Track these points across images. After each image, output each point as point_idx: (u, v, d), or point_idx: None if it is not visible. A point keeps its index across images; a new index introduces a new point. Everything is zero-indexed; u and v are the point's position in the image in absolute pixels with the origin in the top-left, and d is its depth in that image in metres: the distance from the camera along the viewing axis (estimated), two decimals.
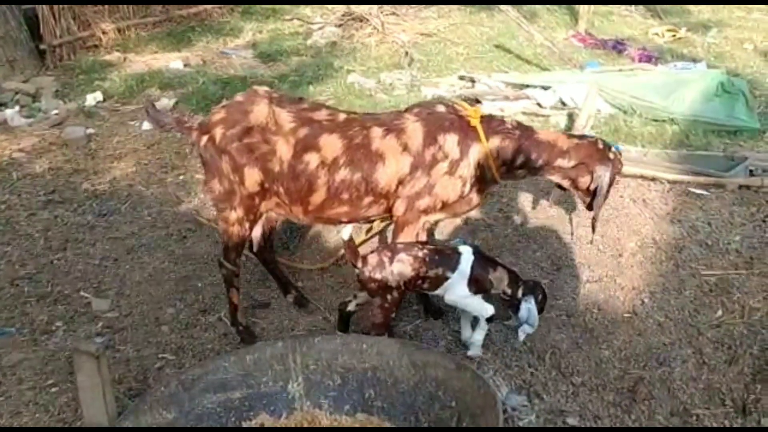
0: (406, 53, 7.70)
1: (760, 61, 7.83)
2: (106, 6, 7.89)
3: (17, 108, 6.12)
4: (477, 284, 2.88)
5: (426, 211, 2.98)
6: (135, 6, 8.19)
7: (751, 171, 4.74)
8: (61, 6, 7.32)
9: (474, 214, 4.12)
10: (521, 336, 2.91)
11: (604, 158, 2.97)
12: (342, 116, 3.01)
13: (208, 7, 8.85)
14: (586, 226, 3.86)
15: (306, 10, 9.70)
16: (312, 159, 2.89)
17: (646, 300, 3.22)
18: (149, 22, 8.31)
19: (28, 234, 4.13)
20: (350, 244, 2.83)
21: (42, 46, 7.24)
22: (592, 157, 2.97)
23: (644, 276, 3.39)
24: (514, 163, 2.98)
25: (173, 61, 7.35)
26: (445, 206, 3.00)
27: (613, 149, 3.04)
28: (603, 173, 2.94)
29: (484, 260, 2.93)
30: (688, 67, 6.97)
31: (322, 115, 2.98)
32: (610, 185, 3.00)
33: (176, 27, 8.50)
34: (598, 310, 3.17)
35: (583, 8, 9.38)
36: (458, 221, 4.06)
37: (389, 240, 3.32)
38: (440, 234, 3.90)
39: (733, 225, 3.83)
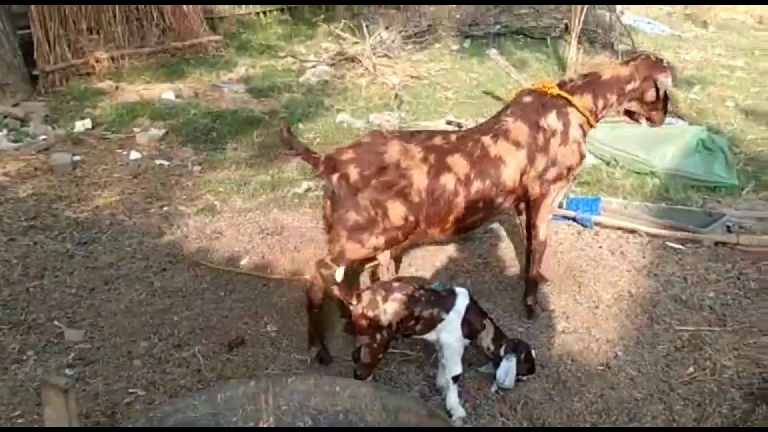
0: (396, 95, 7.82)
1: (740, 119, 8.01)
2: (102, 34, 7.98)
3: (5, 132, 6.13)
4: (470, 327, 2.91)
5: (554, 180, 3.37)
6: (130, 36, 8.29)
7: (728, 227, 4.83)
8: (56, 32, 7.40)
9: (453, 259, 4.16)
10: (494, 387, 2.96)
11: (660, 67, 3.50)
12: (453, 137, 3.27)
13: (204, 40, 8.96)
14: (567, 276, 3.91)
15: (300, 47, 9.86)
16: (448, 180, 3.11)
17: (620, 353, 3.23)
18: (144, 53, 8.40)
19: (5, 260, 4.10)
20: (343, 284, 2.89)
21: (35, 72, 7.29)
22: (650, 69, 3.48)
23: (619, 329, 3.41)
24: (597, 107, 3.46)
25: (165, 91, 7.42)
26: (570, 171, 3.42)
27: (664, 61, 3.56)
28: (664, 79, 3.47)
29: (477, 307, 2.99)
30: (670, 123, 7.11)
31: (438, 140, 3.21)
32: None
33: (171, 58, 8.60)
34: (572, 362, 3.18)
35: (571, 58, 9.61)
36: (438, 265, 4.09)
37: None
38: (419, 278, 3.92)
39: (708, 281, 3.88)
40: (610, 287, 3.79)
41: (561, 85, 3.44)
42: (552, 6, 12.78)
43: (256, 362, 3.25)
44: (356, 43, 9.46)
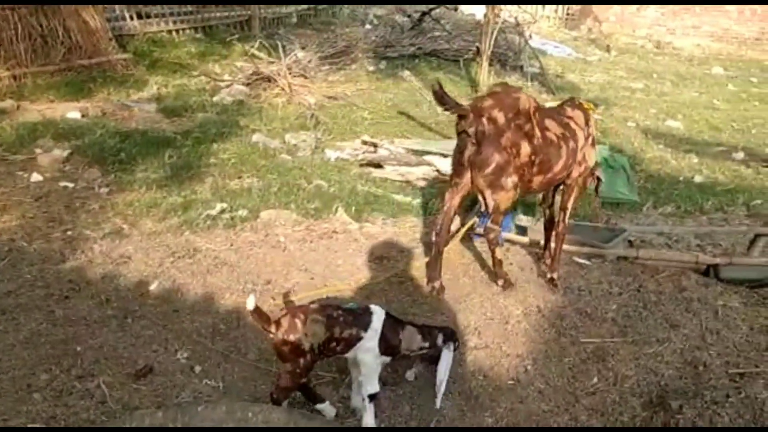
0: (312, 115, 7.82)
1: (641, 138, 8.48)
2: (2, 51, 7.61)
3: None
4: (386, 344, 2.91)
5: (579, 175, 4.12)
6: (34, 53, 7.93)
7: (630, 242, 5.08)
8: None
9: (369, 277, 4.17)
10: (438, 402, 2.96)
11: None
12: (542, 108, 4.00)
13: (112, 58, 8.68)
14: (478, 293, 3.99)
15: (214, 66, 9.72)
16: (551, 135, 3.83)
17: (529, 367, 3.32)
18: (48, 71, 8.05)
19: None
20: (258, 311, 2.81)
21: None
22: None
23: (528, 343, 3.51)
24: None
25: (70, 111, 7.13)
26: (585, 171, 4.17)
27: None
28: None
29: (393, 321, 2.99)
30: None
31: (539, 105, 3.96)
32: None
33: (77, 77, 8.27)
34: (483, 377, 3.24)
35: (482, 80, 9.90)
36: (353, 285, 4.09)
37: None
38: (333, 299, 3.91)
39: (611, 294, 4.06)
40: (520, 302, 3.90)
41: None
42: (464, 29, 13.18)
43: (166, 391, 3.14)
44: (272, 62, 9.41)
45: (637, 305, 3.94)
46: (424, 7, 13.69)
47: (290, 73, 8.95)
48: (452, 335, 3.06)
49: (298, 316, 2.84)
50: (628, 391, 3.12)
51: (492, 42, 9.96)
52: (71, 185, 5.41)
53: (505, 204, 3.82)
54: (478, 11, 14.61)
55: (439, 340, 3.02)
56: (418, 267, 4.35)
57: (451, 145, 7.22)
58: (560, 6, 18.90)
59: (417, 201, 5.78)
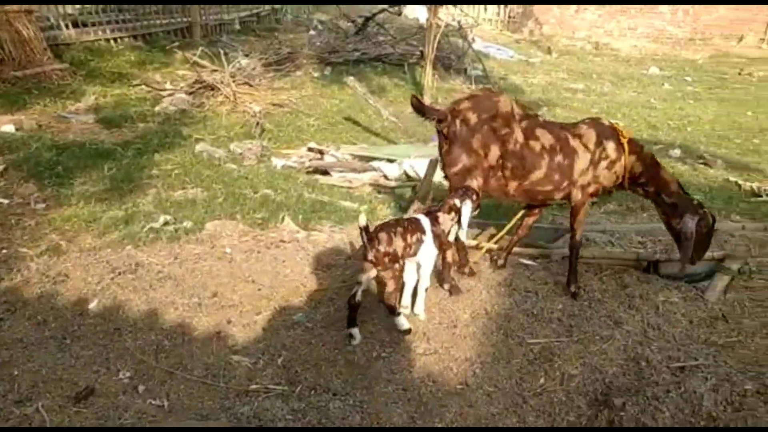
0: (258, 123, 7.74)
1: None
2: None
3: None
4: (438, 239, 3.63)
5: (584, 196, 4.05)
6: None
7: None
8: None
9: (317, 287, 4.14)
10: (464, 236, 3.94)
11: (692, 209, 3.95)
12: (540, 119, 4.06)
13: (47, 68, 8.42)
14: (427, 298, 4.00)
15: (155, 75, 9.53)
16: (535, 144, 3.84)
17: (477, 370, 3.35)
18: None
19: None
20: (366, 229, 3.33)
21: None
22: (684, 205, 3.98)
23: (477, 346, 3.54)
24: (638, 181, 4.09)
25: (4, 124, 6.88)
26: (604, 192, 4.15)
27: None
28: (687, 221, 3.90)
29: (433, 218, 3.67)
30: None
31: (533, 114, 4.03)
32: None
33: (10, 88, 8.00)
34: (433, 383, 3.25)
35: (427, 83, 9.98)
36: (302, 295, 4.05)
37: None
38: (285, 307, 3.86)
39: (556, 294, 4.12)
40: (468, 306, 3.92)
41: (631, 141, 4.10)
42: (408, 34, 13.26)
43: (108, 413, 3.04)
44: (215, 70, 9.29)
45: (582, 304, 4.01)
46: (367, 13, 13.75)
47: (234, 81, 8.85)
48: (465, 193, 3.67)
49: (388, 231, 3.42)
50: (574, 390, 3.17)
51: (435, 46, 10.03)
52: (5, 201, 5.22)
53: None
54: (422, 15, 14.73)
55: (458, 201, 3.66)
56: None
57: (397, 150, 7.28)
58: (502, 9, 19.20)
59: (364, 207, 5.78)
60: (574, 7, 18.25)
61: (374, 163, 6.75)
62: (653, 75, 14.57)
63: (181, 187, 5.74)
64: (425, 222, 3.63)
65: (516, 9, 19.03)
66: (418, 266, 3.68)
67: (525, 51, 16.43)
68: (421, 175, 6.15)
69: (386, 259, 3.40)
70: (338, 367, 3.33)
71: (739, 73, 15.03)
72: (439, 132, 3.94)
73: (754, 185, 7.37)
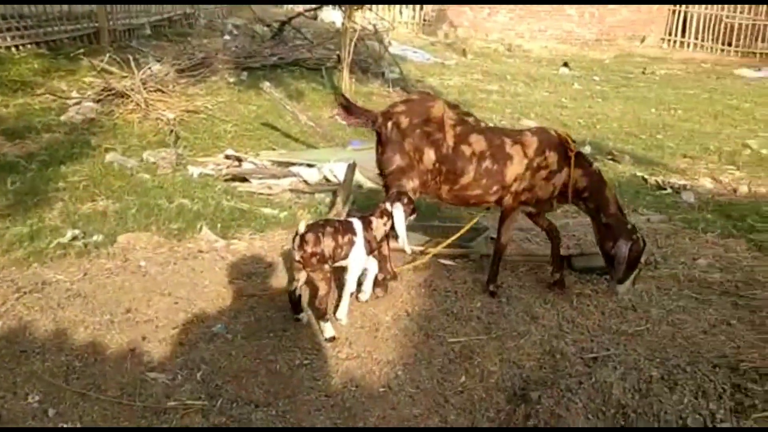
0: (172, 131, 7.54)
1: None
2: None
3: None
4: (368, 244, 3.66)
5: (515, 203, 4.08)
6: None
7: (493, 238, 5.28)
8: None
9: (235, 296, 4.07)
10: (407, 249, 3.93)
11: (627, 233, 4.02)
12: (482, 124, 4.10)
13: None
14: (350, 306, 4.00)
15: (61, 83, 9.12)
16: (466, 149, 3.89)
17: (399, 372, 3.37)
18: None
19: None
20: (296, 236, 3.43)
21: None
22: (620, 228, 4.04)
23: (399, 348, 3.56)
24: (581, 195, 4.13)
25: None
26: (538, 203, 4.12)
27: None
28: (621, 246, 3.99)
29: (366, 222, 3.69)
30: None
31: (471, 120, 4.06)
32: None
33: None
34: (356, 388, 3.24)
35: (344, 87, 9.98)
36: (221, 304, 3.97)
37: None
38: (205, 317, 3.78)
39: (475, 292, 4.21)
40: (389, 309, 3.95)
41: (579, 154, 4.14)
42: (325, 38, 13.24)
43: None
44: (125, 77, 8.96)
45: (500, 301, 4.11)
46: (283, 17, 13.65)
47: (145, 88, 8.57)
48: (396, 198, 3.72)
49: (317, 231, 3.45)
50: (494, 387, 3.24)
51: (351, 50, 10.05)
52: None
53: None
54: (338, 19, 14.74)
55: (388, 206, 3.70)
56: (285, 279, 4.29)
57: (316, 154, 7.24)
58: (417, 12, 19.47)
59: (285, 213, 5.72)
60: (486, 10, 18.71)
61: (294, 169, 6.69)
62: (563, 75, 15.11)
63: (91, 200, 5.52)
64: (357, 225, 3.65)
65: (430, 12, 19.34)
66: (345, 270, 3.68)
67: (441, 53, 16.71)
68: (341, 178, 6.15)
69: (314, 260, 3.42)
70: (260, 378, 3.28)
71: (643, 72, 15.79)
72: (377, 134, 4.01)
73: (659, 179, 7.76)
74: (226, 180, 6.45)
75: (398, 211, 3.72)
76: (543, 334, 3.69)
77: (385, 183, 4.04)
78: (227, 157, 6.83)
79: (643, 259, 4.68)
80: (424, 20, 19.57)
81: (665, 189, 7.47)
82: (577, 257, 4.72)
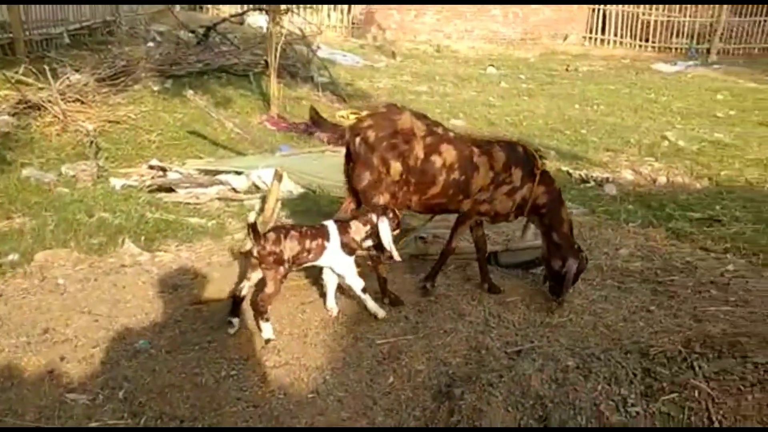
0: (92, 142, 7.31)
1: None
2: None
3: None
4: (346, 246, 3.71)
5: (471, 211, 4.11)
6: None
7: (422, 238, 5.33)
8: None
9: (161, 309, 3.97)
10: (396, 256, 3.85)
11: (575, 253, 4.09)
12: (451, 134, 4.06)
13: None
14: (275, 309, 3.96)
15: None
16: (436, 160, 3.88)
17: (328, 377, 3.35)
18: None
19: None
20: (253, 226, 3.49)
21: None
22: (568, 247, 4.11)
23: (327, 353, 3.55)
24: (538, 211, 4.19)
25: None
26: (495, 215, 4.16)
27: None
28: (571, 265, 4.05)
29: (341, 224, 3.75)
30: None
31: (440, 129, 4.02)
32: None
33: None
34: (284, 395, 3.21)
35: (273, 93, 9.89)
36: (145, 317, 3.87)
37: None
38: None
39: (405, 292, 4.23)
40: (318, 314, 3.93)
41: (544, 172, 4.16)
42: (253, 43, 13.10)
43: None
44: (42, 89, 8.63)
45: (428, 300, 4.15)
46: (208, 22, 13.43)
47: (63, 99, 8.28)
48: (383, 211, 3.73)
49: (279, 232, 3.54)
50: (421, 386, 3.26)
51: (278, 54, 9.98)
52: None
53: None
54: (265, 24, 14.60)
55: (374, 217, 3.71)
56: (215, 291, 4.22)
57: (244, 162, 7.15)
58: (345, 16, 19.50)
59: (212, 222, 5.63)
60: (413, 12, 18.89)
61: (221, 177, 6.59)
62: (491, 74, 15.42)
63: (6, 217, 5.31)
64: (332, 229, 3.71)
65: (358, 15, 19.40)
66: (339, 275, 3.82)
67: (370, 56, 16.78)
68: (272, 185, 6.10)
69: (270, 258, 3.49)
70: (185, 392, 3.21)
71: (566, 69, 16.27)
72: (346, 149, 3.99)
73: (582, 173, 8.00)
74: (150, 191, 6.30)
75: (384, 224, 3.72)
76: (470, 331, 3.74)
77: (361, 198, 4.01)
78: (151, 167, 6.67)
79: None
80: (353, 23, 19.62)
81: (589, 182, 7.71)
82: (503, 253, 4.82)
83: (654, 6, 19.08)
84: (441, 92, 13.19)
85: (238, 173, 6.66)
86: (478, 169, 3.98)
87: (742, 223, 6.29)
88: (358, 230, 3.76)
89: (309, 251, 3.62)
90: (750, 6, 18.94)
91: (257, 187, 6.47)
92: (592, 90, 13.66)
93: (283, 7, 10.24)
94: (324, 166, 6.79)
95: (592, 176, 7.85)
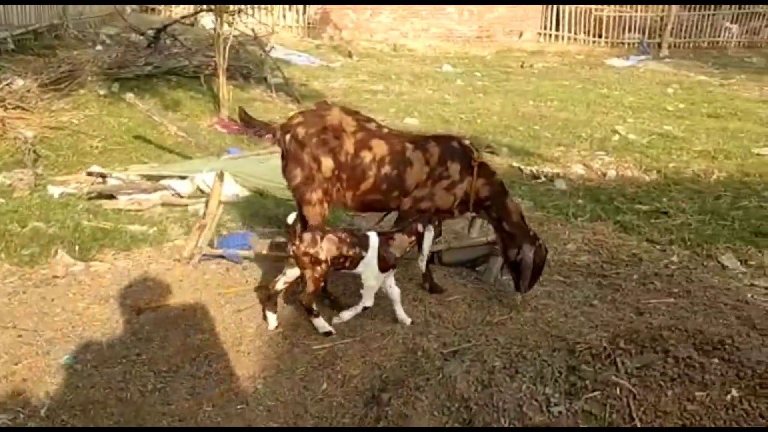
0: (30, 149, 7.07)
1: None
2: None
3: None
4: (383, 261, 3.62)
5: (411, 209, 3.97)
6: None
7: None
8: None
9: (93, 323, 3.83)
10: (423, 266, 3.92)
11: (530, 240, 4.01)
12: (384, 129, 4.03)
13: None
14: (209, 317, 3.86)
15: None
16: (366, 155, 3.84)
17: (259, 386, 3.26)
18: None
19: None
20: (293, 227, 3.56)
21: None
22: (523, 235, 4.00)
23: (261, 361, 3.45)
24: (483, 204, 4.08)
25: None
26: (438, 212, 4.01)
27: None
28: (526, 251, 3.97)
29: (384, 237, 3.67)
30: None
31: (372, 125, 3.99)
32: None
33: None
34: (212, 408, 3.10)
35: (222, 95, 9.73)
36: (72, 336, 3.72)
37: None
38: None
39: (344, 296, 4.15)
40: (254, 320, 3.83)
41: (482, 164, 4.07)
42: (205, 44, 12.87)
43: None
44: None
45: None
46: (159, 24, 13.16)
47: (3, 106, 8.02)
48: (429, 220, 3.70)
49: (315, 233, 3.54)
50: (353, 391, 3.18)
51: (227, 56, 9.81)
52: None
53: (314, 218, 3.84)
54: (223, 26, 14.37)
55: (420, 227, 3.68)
56: (150, 300, 4.09)
57: (189, 166, 6.99)
58: (300, 16, 19.35)
59: (153, 229, 5.48)
60: (368, 11, 18.82)
61: (165, 182, 6.43)
62: (447, 72, 15.42)
63: None
64: (373, 240, 3.63)
65: (313, 15, 19.26)
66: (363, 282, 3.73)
67: (326, 56, 16.66)
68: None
69: (306, 259, 3.50)
70: (109, 408, 3.09)
71: (522, 66, 16.37)
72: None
73: (534, 168, 8.02)
74: (90, 199, 6.11)
75: (429, 233, 3.70)
76: (408, 332, 3.68)
77: (293, 196, 3.98)
78: (89, 174, 6.47)
79: None
80: (309, 23, 19.46)
81: (540, 178, 7.73)
82: (446, 252, 4.77)
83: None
84: (397, 91, 13.12)
85: (183, 177, 6.51)
86: (411, 164, 3.92)
87: (688, 214, 6.35)
88: (401, 243, 3.70)
89: (346, 258, 3.59)
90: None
91: (202, 191, 6.32)
92: (546, 86, 13.74)
93: (231, 7, 10.05)
94: (270, 168, 6.66)
95: (543, 172, 7.87)
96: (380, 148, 3.89)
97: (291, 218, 3.60)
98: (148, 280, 4.33)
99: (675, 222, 6.17)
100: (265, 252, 4.80)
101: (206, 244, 4.81)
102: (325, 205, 3.90)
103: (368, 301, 3.72)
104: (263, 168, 6.73)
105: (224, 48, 9.79)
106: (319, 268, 3.53)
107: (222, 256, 4.73)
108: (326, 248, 3.52)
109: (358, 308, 3.75)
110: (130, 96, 8.25)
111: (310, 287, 3.56)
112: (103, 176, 6.43)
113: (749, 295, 4.70)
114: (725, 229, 5.95)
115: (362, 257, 3.60)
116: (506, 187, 4.23)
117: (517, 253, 4.02)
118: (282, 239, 4.93)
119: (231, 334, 3.68)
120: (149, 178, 6.58)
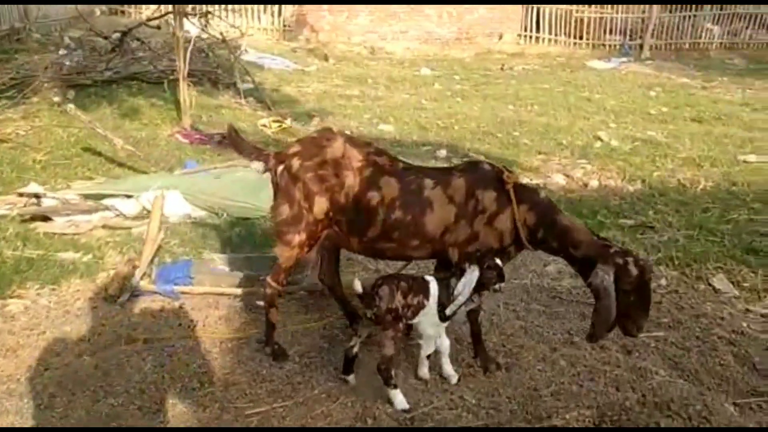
0: None
1: None
2: None
3: None
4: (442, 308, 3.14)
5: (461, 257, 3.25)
6: None
7: None
8: None
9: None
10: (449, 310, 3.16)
11: (606, 259, 3.01)
12: (400, 164, 3.39)
13: None
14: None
15: None
16: (374, 196, 3.23)
17: None
18: None
19: None
20: (364, 293, 3.06)
21: None
22: (599, 255, 3.05)
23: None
24: (536, 235, 3.25)
25: None
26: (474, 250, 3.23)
27: None
28: (599, 273, 2.99)
29: (442, 283, 3.16)
30: None
31: (383, 160, 3.36)
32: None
33: None
34: None
35: (185, 103, 9.15)
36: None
37: None
38: None
39: (292, 343, 3.62)
40: (179, 381, 3.25)
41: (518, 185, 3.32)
42: (171, 49, 12.29)
43: None
44: None
45: (320, 347, 3.56)
46: (125, 27, 12.58)
47: None
48: (477, 259, 3.09)
49: (390, 284, 3.07)
50: None
51: (188, 59, 9.23)
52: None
53: (286, 262, 3.41)
54: (192, 29, 13.74)
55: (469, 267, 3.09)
56: (62, 351, 3.53)
57: (138, 182, 6.42)
58: (276, 18, 18.79)
59: (88, 257, 4.92)
60: (345, 12, 18.30)
61: (107, 201, 5.85)
62: (425, 75, 14.92)
63: None
64: (433, 287, 3.15)
65: (290, 17, 18.70)
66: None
67: (302, 59, 16.09)
68: (166, 209, 5.43)
69: (389, 317, 3.04)
70: None
71: (502, 69, 15.91)
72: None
73: None
74: (23, 221, 5.53)
75: (472, 273, 3.08)
76: (360, 394, 3.14)
77: (272, 229, 3.53)
78: (20, 195, 5.87)
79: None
80: (285, 26, 18.88)
81: None
82: None
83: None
84: (372, 96, 12.60)
85: (129, 196, 5.95)
86: (431, 205, 3.25)
87: (675, 229, 5.96)
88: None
89: (409, 307, 3.09)
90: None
91: (149, 212, 5.76)
92: (526, 90, 13.28)
93: (189, 8, 9.50)
94: (225, 184, 6.16)
95: None
96: (390, 188, 3.26)
97: (357, 286, 3.06)
98: (67, 324, 3.78)
99: (662, 238, 5.77)
100: (206, 286, 4.27)
101: (139, 277, 4.27)
102: (306, 249, 3.40)
103: (430, 348, 3.27)
104: (218, 184, 6.19)
105: (185, 51, 9.21)
106: (400, 324, 3.07)
107: (157, 292, 4.19)
108: (399, 299, 3.05)
109: (424, 360, 3.33)
110: (70, 107, 7.66)
111: (390, 349, 3.04)
112: (37, 196, 5.83)
113: (745, 325, 4.32)
114: (715, 246, 5.55)
115: (423, 306, 3.12)
116: (553, 204, 3.42)
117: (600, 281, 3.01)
118: (228, 271, 4.42)
119: (150, 397, 3.12)
120: (91, 196, 6.00)
